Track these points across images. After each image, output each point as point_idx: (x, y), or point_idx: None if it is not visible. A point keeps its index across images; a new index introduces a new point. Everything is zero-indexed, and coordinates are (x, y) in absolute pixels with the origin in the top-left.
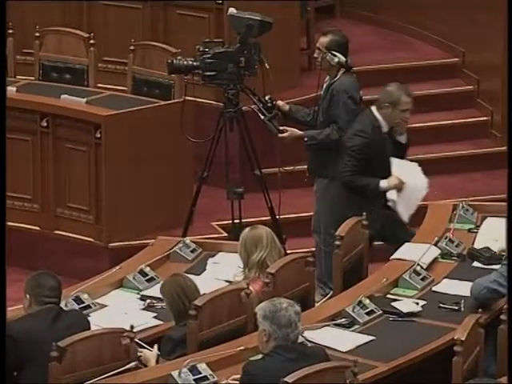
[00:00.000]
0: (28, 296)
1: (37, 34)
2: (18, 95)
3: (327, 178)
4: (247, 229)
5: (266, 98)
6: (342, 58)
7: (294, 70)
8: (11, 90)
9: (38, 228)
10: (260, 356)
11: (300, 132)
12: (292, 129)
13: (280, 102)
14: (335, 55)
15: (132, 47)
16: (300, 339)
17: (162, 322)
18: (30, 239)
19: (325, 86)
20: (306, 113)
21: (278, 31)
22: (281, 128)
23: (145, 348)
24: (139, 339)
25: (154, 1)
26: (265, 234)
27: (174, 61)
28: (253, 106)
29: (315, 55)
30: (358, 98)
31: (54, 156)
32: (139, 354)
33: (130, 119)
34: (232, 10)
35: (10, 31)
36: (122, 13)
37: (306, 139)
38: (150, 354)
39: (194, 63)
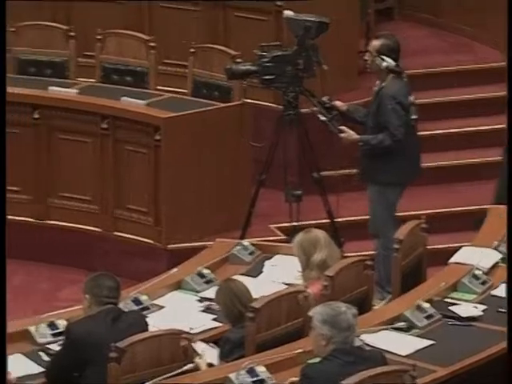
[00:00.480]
0: (88, 296)
1: (98, 37)
2: (79, 97)
3: (379, 184)
4: (301, 232)
5: (325, 98)
6: (392, 63)
7: (352, 73)
8: (72, 92)
9: (97, 229)
10: (318, 359)
11: (356, 136)
12: (350, 131)
13: (338, 103)
14: (384, 59)
15: (192, 50)
16: (358, 343)
17: (220, 324)
18: (89, 240)
19: (375, 89)
20: (364, 113)
21: (336, 33)
22: (340, 128)
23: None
24: (198, 341)
25: (213, 1)
26: (321, 235)
27: (233, 66)
28: (313, 108)
29: (366, 58)
30: (406, 104)
31: (114, 158)
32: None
33: (189, 121)
34: (288, 13)
35: (72, 34)
36: (182, 15)
37: (361, 143)
38: (201, 361)
39: (252, 68)
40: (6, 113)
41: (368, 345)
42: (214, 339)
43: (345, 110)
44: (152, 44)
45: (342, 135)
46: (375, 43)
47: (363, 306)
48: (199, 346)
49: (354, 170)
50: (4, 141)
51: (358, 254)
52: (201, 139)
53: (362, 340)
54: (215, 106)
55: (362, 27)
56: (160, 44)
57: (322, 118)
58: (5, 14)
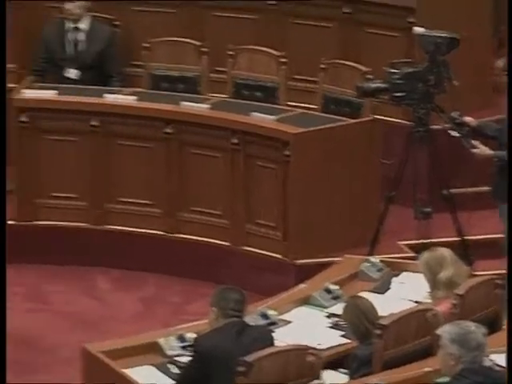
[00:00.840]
0: (214, 309)
1: (230, 53)
2: (210, 112)
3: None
4: (426, 251)
5: (454, 114)
6: None
7: (486, 90)
8: (204, 107)
9: (226, 243)
10: (447, 378)
11: (490, 151)
12: (483, 146)
13: (468, 119)
14: None
15: (322, 65)
16: (488, 363)
17: (348, 341)
18: (218, 254)
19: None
20: (495, 128)
21: (468, 49)
22: (473, 143)
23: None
24: (325, 357)
25: (344, 20)
26: (447, 253)
27: (364, 85)
28: (444, 124)
29: (495, 77)
30: None
31: (244, 173)
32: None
33: (318, 137)
34: (419, 29)
35: (205, 49)
36: (313, 31)
37: (495, 159)
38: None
39: (383, 85)
40: (139, 127)
41: (498, 365)
42: (341, 356)
43: (475, 125)
44: (283, 60)
45: (475, 151)
46: (498, 62)
47: (493, 325)
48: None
49: (485, 188)
50: (4, 140)
51: (489, 272)
52: (330, 155)
53: (492, 360)
54: (345, 122)
55: (494, 44)
56: (291, 60)
57: (454, 134)
58: (5, 14)
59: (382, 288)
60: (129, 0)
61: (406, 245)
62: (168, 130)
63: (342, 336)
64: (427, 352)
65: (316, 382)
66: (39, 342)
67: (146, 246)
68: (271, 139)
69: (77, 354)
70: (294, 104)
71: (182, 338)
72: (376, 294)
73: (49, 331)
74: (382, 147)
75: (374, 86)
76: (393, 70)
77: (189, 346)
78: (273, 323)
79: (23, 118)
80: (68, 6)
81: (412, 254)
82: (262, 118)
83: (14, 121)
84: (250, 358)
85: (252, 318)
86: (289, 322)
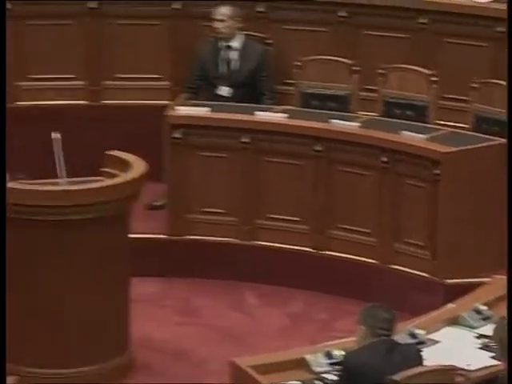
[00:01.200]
0: (363, 327)
1: (381, 71)
2: (360, 130)
3: None
4: None
5: None
6: None
7: None
8: (354, 125)
9: (374, 261)
10: None
11: None
12: None
13: None
14: None
15: (474, 85)
16: None
17: (498, 363)
18: (366, 272)
19: None
20: None
21: None
22: None
23: None
24: (474, 378)
25: (497, 40)
26: None
27: None
28: None
29: None
30: None
31: (393, 191)
32: None
33: (469, 156)
34: None
35: (356, 68)
36: (465, 50)
37: None
38: None
39: None
40: (289, 144)
41: None
42: (491, 377)
43: None
44: (434, 78)
45: None
46: None
47: None
48: None
49: None
50: (4, 140)
51: None
52: (481, 174)
53: None
54: (496, 142)
55: None
56: (442, 79)
57: None
58: (5, 14)
59: None
60: (279, 9)
61: None
62: (318, 148)
63: (492, 357)
64: None
65: None
66: (189, 355)
67: (294, 262)
68: (421, 158)
69: (225, 367)
70: (444, 123)
71: (329, 355)
72: None
73: (198, 344)
74: None
75: None
76: None
77: (336, 363)
78: (421, 342)
79: (176, 135)
80: (216, 25)
81: None
82: (411, 137)
83: (168, 137)
84: (398, 376)
85: (400, 337)
86: (437, 342)
